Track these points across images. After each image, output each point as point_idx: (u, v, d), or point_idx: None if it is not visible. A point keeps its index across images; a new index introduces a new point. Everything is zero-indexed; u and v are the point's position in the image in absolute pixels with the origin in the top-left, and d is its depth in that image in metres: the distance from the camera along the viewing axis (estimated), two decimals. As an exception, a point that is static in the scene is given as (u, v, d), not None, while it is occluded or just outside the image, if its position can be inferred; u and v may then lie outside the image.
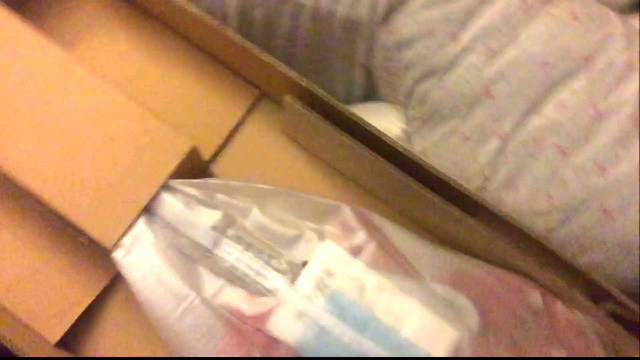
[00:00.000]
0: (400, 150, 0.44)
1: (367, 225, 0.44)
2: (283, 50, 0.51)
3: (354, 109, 0.44)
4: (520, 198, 0.45)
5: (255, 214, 0.44)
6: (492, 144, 0.45)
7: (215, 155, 0.52)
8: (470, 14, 0.45)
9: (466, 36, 0.45)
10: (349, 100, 0.55)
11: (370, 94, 0.55)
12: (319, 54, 0.51)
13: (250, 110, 0.53)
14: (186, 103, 0.53)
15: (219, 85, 0.54)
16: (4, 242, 0.47)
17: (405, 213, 0.51)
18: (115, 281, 0.48)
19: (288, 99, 0.47)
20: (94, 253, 0.47)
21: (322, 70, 0.52)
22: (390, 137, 0.44)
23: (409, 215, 0.51)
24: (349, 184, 0.52)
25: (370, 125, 0.44)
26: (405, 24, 0.46)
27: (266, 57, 0.46)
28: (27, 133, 0.43)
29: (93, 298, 0.47)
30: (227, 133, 0.52)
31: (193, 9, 0.47)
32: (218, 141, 0.52)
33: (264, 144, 0.53)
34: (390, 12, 0.46)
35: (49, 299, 0.46)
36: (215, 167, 0.52)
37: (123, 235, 0.41)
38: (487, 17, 0.44)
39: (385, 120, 0.51)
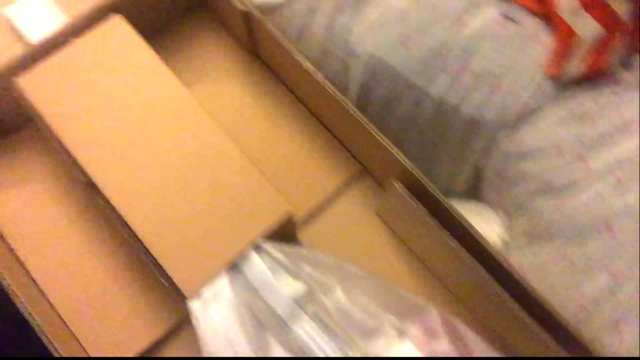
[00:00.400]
0: (502, 262, 0.41)
1: (452, 333, 0.41)
2: (395, 131, 0.51)
3: (454, 204, 0.43)
4: (622, 343, 0.41)
5: (339, 295, 0.42)
6: (602, 280, 0.42)
7: (304, 221, 0.51)
8: (605, 140, 0.43)
9: (596, 162, 0.43)
10: (447, 193, 0.53)
11: (471, 192, 0.53)
12: (432, 144, 0.50)
13: (348, 184, 0.52)
14: (286, 162, 0.53)
15: (323, 152, 0.53)
16: (86, 263, 0.47)
17: (490, 326, 0.48)
18: (181, 327, 0.47)
19: (394, 184, 0.45)
20: (168, 294, 0.46)
21: (429, 158, 0.51)
22: (494, 247, 0.41)
23: (494, 330, 0.47)
24: (434, 282, 0.49)
25: (474, 229, 0.42)
26: (532, 136, 0.45)
27: (379, 136, 0.45)
28: (135, 163, 0.43)
29: (155, 339, 0.46)
30: (321, 201, 0.51)
31: (318, 75, 0.47)
32: (309, 207, 0.51)
33: (355, 221, 0.51)
34: (519, 120, 0.45)
35: (112, 329, 0.46)
36: (302, 234, 0.50)
37: (204, 286, 0.41)
38: (622, 147, 0.42)
39: (486, 225, 0.49)
